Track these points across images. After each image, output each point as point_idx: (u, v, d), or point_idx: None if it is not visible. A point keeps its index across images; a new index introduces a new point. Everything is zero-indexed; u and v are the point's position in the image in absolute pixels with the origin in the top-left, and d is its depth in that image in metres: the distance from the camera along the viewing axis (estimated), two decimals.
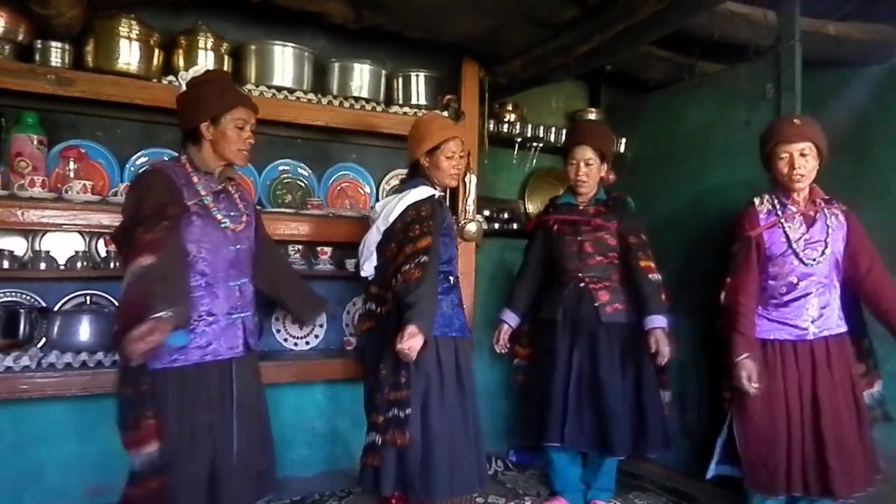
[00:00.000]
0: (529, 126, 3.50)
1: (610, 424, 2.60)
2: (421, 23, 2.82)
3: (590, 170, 2.75)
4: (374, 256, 2.40)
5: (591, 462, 2.87)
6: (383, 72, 3.06)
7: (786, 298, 2.34)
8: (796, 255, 2.31)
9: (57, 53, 2.40)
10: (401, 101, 3.09)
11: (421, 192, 2.32)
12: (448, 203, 3.07)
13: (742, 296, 2.36)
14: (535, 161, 3.67)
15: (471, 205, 3.06)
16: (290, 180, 3.00)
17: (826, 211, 2.36)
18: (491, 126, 3.35)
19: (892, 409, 2.46)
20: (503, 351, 2.93)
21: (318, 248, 2.92)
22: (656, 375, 2.69)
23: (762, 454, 2.32)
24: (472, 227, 3.04)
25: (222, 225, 2.00)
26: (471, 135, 3.10)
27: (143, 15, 2.54)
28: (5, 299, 2.50)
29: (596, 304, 2.67)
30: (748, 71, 3.01)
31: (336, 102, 2.85)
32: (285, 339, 2.99)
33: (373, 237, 2.39)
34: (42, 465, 2.49)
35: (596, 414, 2.64)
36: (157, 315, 1.67)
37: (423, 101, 3.09)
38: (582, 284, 2.71)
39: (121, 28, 2.46)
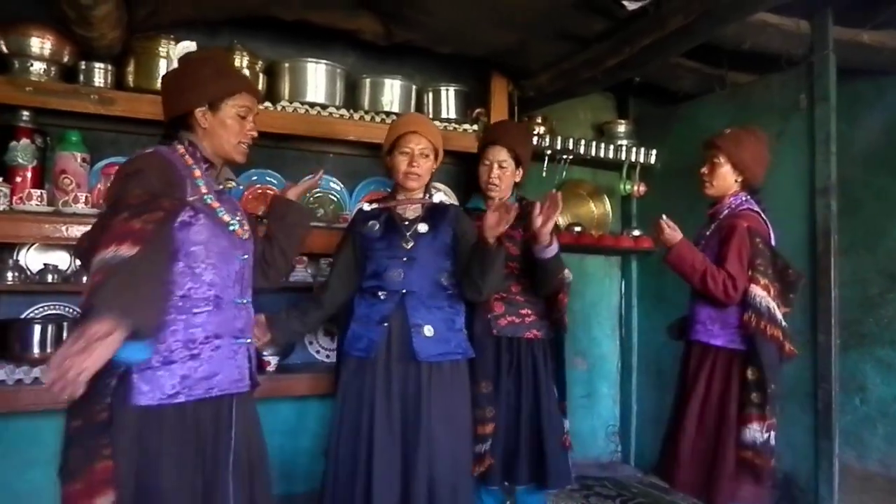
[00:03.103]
0: (559, 139, 3.51)
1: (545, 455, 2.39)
2: (450, 38, 2.86)
3: (503, 172, 2.46)
4: None
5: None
6: (413, 86, 3.10)
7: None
8: None
9: (100, 74, 2.49)
10: (431, 116, 3.13)
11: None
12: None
13: None
14: (564, 173, 3.67)
15: None
16: (322, 194, 3.05)
17: (717, 221, 2.44)
18: None
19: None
20: None
21: None
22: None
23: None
24: None
25: (230, 227, 1.67)
26: None
27: (180, 35, 2.60)
28: (50, 312, 2.57)
29: (488, 316, 2.40)
30: (780, 81, 2.99)
31: (367, 117, 2.89)
32: (318, 352, 3.03)
33: None
34: None
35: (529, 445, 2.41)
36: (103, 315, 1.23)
37: (452, 115, 3.12)
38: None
39: (159, 48, 2.54)
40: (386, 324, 2.15)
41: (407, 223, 2.25)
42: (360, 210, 2.35)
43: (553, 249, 2.22)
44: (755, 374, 2.24)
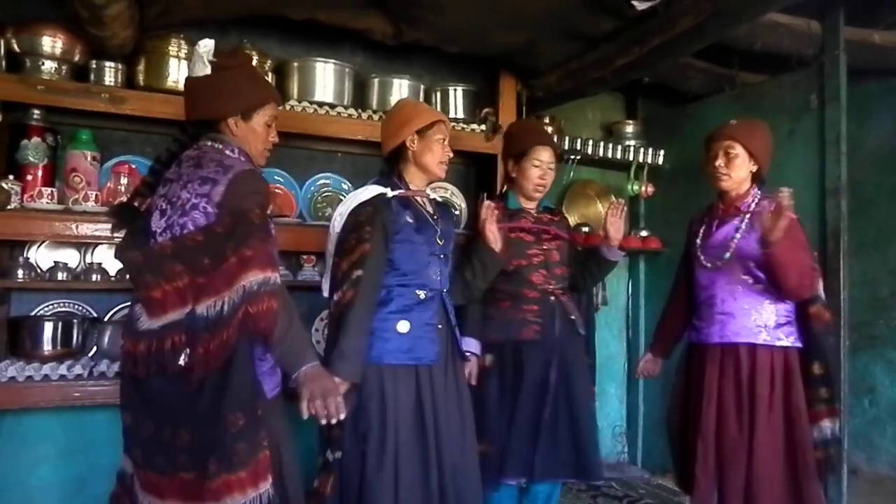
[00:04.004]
0: (567, 139, 3.50)
1: (586, 448, 2.40)
2: (459, 38, 2.86)
3: (551, 174, 2.52)
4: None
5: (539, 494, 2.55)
6: (422, 86, 3.10)
7: (697, 301, 2.37)
8: (698, 258, 2.35)
9: (110, 73, 2.50)
10: None
11: (367, 193, 2.02)
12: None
13: (668, 298, 2.59)
14: (572, 173, 3.66)
15: None
16: (330, 194, 3.05)
17: (749, 216, 2.27)
18: None
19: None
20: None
21: None
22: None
23: (678, 459, 2.41)
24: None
25: None
26: None
27: (190, 34, 2.62)
28: (60, 309, 2.59)
29: (572, 317, 2.48)
30: (791, 81, 2.97)
31: (376, 117, 2.90)
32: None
33: (329, 247, 2.08)
34: (92, 471, 2.54)
35: (572, 439, 2.40)
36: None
37: (461, 115, 3.12)
38: (553, 298, 2.47)
39: (170, 47, 2.55)
40: (441, 326, 2.08)
41: (435, 218, 2.17)
42: (383, 196, 2.03)
43: (620, 252, 2.55)
44: (822, 368, 2.18)
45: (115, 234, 1.78)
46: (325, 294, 2.05)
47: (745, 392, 2.17)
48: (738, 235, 2.27)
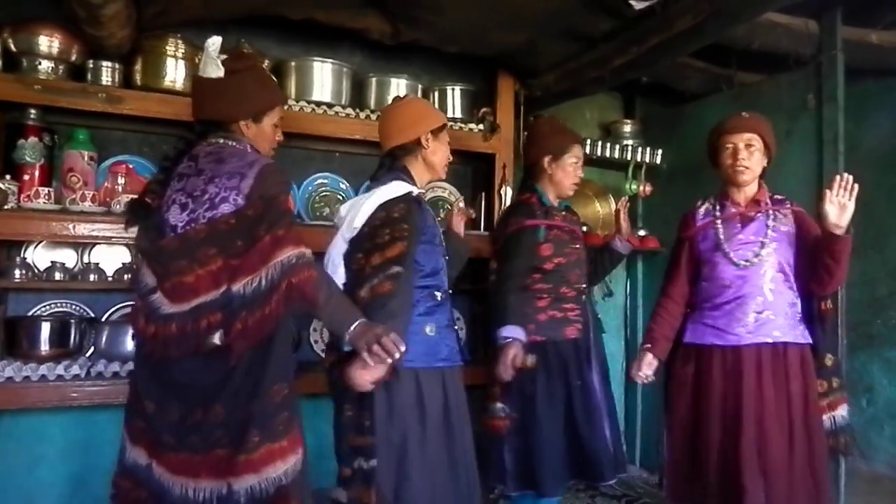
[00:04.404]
0: None
1: (618, 447, 2.47)
2: (457, 38, 2.85)
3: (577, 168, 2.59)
4: (341, 270, 1.94)
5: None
6: (420, 86, 3.10)
7: (718, 301, 2.24)
8: (726, 255, 2.23)
9: (107, 72, 2.49)
10: None
11: (394, 189, 1.94)
12: (485, 216, 3.12)
13: (662, 297, 2.39)
14: None
15: None
16: (328, 193, 3.05)
17: (772, 211, 2.25)
18: (526, 139, 3.35)
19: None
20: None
21: None
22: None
23: (681, 465, 2.27)
24: None
25: None
26: (507, 148, 3.12)
27: (188, 34, 2.62)
28: (57, 310, 2.59)
29: (599, 317, 2.56)
30: (788, 81, 2.97)
31: (374, 117, 2.89)
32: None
33: (337, 247, 1.97)
34: (90, 471, 2.54)
35: (612, 439, 2.45)
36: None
37: (458, 115, 3.11)
38: (585, 297, 2.55)
39: (167, 47, 2.55)
40: (455, 327, 2.09)
41: (435, 218, 2.14)
42: (412, 195, 1.98)
43: (629, 244, 2.72)
44: (832, 360, 2.24)
45: (128, 231, 1.79)
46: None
47: (784, 393, 2.15)
48: (771, 231, 2.23)
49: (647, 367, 2.34)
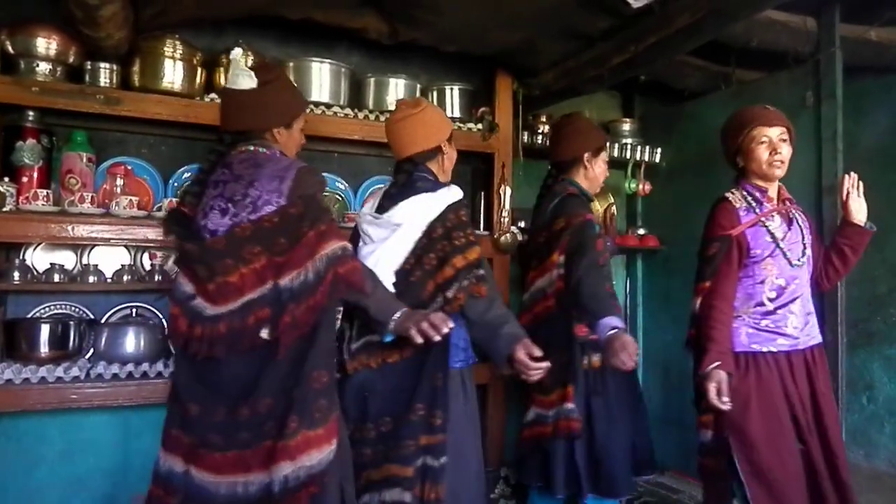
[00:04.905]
0: None
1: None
2: (455, 37, 2.85)
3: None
4: (389, 269, 1.95)
5: None
6: (418, 85, 3.09)
7: (774, 305, 2.15)
8: (784, 255, 2.15)
9: (105, 74, 2.48)
10: None
11: (455, 193, 1.99)
12: (484, 215, 3.12)
13: (719, 300, 2.13)
14: None
15: (506, 216, 3.07)
16: (326, 193, 3.05)
17: (794, 210, 2.26)
18: (525, 138, 3.35)
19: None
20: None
21: None
22: None
23: (774, 489, 2.03)
24: (507, 239, 3.05)
25: None
26: (505, 147, 3.12)
27: (186, 35, 2.61)
28: (56, 312, 2.58)
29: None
30: (787, 79, 2.97)
31: (372, 117, 2.89)
32: None
33: (394, 247, 1.95)
34: (90, 473, 2.55)
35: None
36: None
37: (457, 114, 3.11)
38: None
39: (165, 48, 2.53)
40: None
41: None
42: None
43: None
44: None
45: (167, 238, 1.88)
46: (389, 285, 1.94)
47: (818, 394, 2.16)
48: (805, 230, 2.24)
49: (725, 389, 2.01)
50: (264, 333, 1.60)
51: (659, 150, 3.66)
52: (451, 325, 1.76)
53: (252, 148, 1.82)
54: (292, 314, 1.58)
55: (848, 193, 2.26)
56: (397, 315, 1.80)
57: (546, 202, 2.58)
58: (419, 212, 1.95)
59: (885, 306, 3.56)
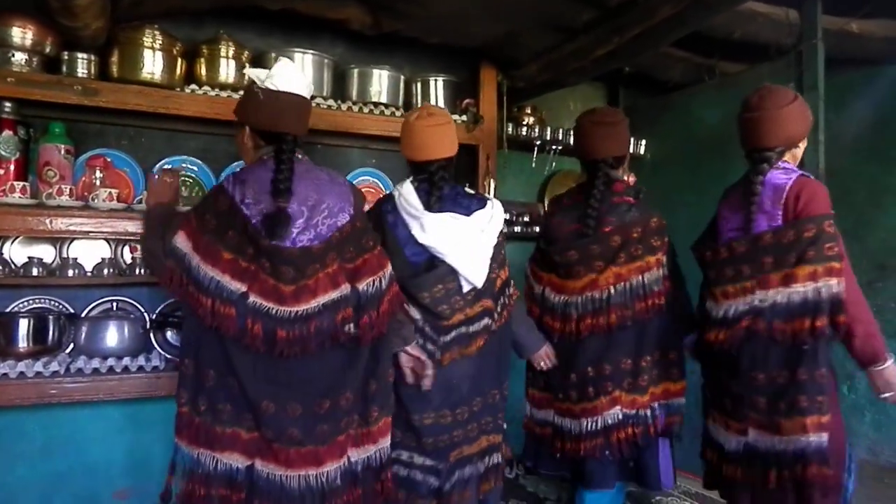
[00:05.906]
0: (548, 129, 3.50)
1: None
2: (439, 28, 2.84)
3: None
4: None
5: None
6: (402, 77, 3.08)
7: None
8: None
9: (83, 64, 2.45)
10: (420, 106, 3.11)
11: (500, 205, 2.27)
12: None
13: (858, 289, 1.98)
14: (553, 164, 3.66)
15: None
16: None
17: None
18: (509, 129, 3.35)
19: None
20: None
21: None
22: None
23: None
24: None
25: None
26: (489, 138, 3.11)
27: (165, 25, 2.58)
28: (35, 306, 2.55)
29: None
30: (770, 70, 2.98)
31: (356, 108, 2.87)
32: None
33: (487, 249, 2.14)
34: (70, 469, 2.52)
35: None
36: None
37: (441, 106, 3.10)
38: None
39: (144, 38, 2.50)
40: None
41: None
42: None
43: None
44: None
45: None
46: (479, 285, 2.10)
47: None
48: None
49: None
50: (349, 328, 1.75)
51: (644, 142, 3.67)
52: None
53: (300, 156, 1.87)
54: (370, 316, 1.77)
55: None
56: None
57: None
58: (498, 220, 2.20)
59: (866, 297, 3.59)
